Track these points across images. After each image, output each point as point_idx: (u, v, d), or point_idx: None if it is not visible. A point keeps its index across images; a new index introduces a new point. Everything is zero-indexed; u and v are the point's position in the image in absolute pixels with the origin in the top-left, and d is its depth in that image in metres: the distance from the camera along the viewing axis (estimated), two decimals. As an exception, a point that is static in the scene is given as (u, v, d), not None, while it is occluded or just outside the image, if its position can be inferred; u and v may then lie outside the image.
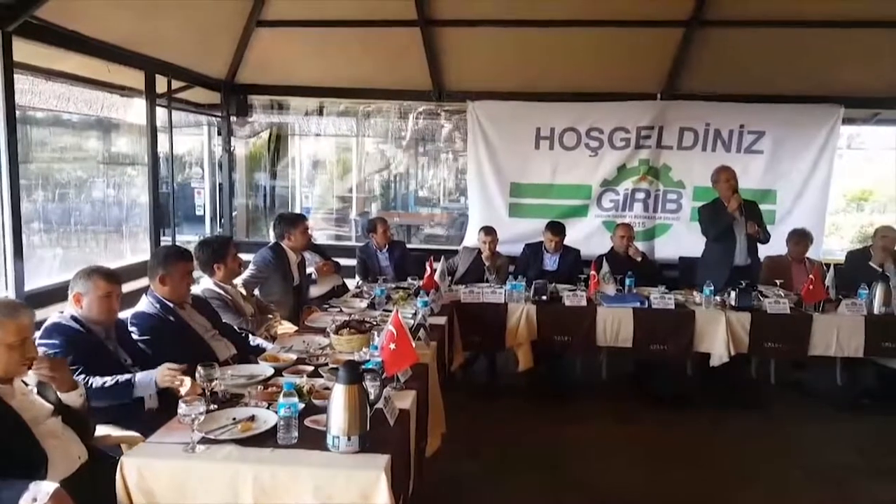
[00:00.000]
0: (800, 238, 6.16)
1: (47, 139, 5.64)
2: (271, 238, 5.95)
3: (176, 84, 6.32)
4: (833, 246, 9.34)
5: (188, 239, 7.18)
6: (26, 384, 2.56)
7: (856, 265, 6.01)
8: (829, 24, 6.30)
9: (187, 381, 2.93)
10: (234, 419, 2.62)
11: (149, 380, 3.04)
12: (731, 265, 5.79)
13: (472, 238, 7.15)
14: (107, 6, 4.86)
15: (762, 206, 6.52)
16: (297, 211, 8.91)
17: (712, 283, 5.38)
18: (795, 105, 7.09)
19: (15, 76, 4.16)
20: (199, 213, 8.83)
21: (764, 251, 6.17)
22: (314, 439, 2.48)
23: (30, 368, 2.49)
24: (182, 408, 2.40)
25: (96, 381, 2.97)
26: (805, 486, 4.17)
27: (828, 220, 7.79)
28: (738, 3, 6.25)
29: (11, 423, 2.36)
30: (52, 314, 3.18)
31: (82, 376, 2.89)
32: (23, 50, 4.21)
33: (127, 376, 3.05)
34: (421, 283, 5.29)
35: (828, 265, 5.82)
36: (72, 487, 2.19)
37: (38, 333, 2.85)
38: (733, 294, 5.27)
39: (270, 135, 8.77)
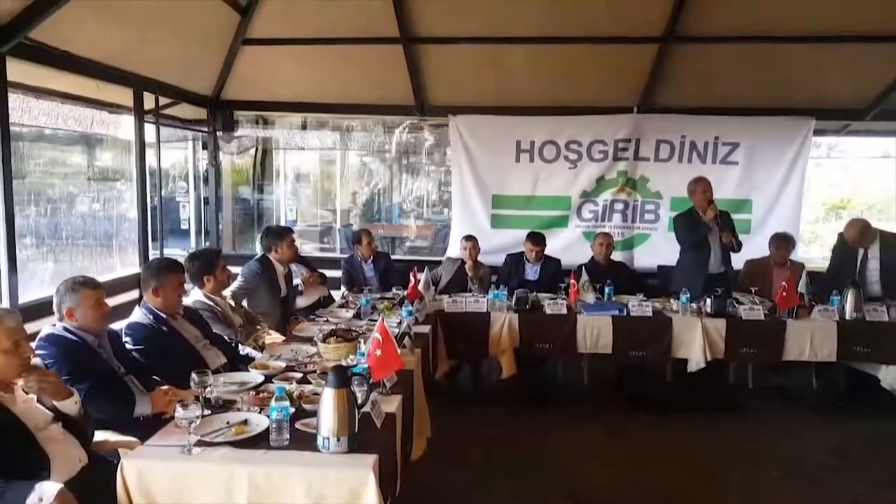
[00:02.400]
0: (780, 241, 6.28)
1: (35, 155, 5.72)
2: (258, 250, 6.05)
3: (163, 101, 6.43)
4: (814, 254, 9.54)
5: (174, 252, 7.26)
6: (27, 392, 2.65)
7: (843, 248, 6.22)
8: (800, 40, 6.49)
9: (179, 395, 3.07)
10: (227, 423, 2.73)
11: (145, 408, 3.17)
12: (706, 273, 5.92)
13: (455, 249, 7.28)
14: (97, 26, 4.96)
15: (738, 216, 6.72)
16: (283, 224, 9.02)
17: (688, 290, 5.52)
18: (768, 117, 7.29)
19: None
20: (183, 226, 8.89)
21: (744, 255, 6.32)
22: (305, 441, 2.59)
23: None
24: (179, 412, 2.51)
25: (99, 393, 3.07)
26: (783, 486, 4.29)
27: (807, 229, 7.97)
28: (711, 20, 6.40)
29: (15, 429, 2.46)
30: (45, 326, 3.26)
31: (82, 385, 2.98)
32: (15, 69, 4.32)
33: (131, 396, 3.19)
34: (405, 293, 5.40)
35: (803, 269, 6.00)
36: (74, 489, 2.28)
37: (32, 344, 2.92)
38: (709, 301, 5.41)
39: (256, 149, 8.87)
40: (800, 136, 7.30)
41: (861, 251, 6.06)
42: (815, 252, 9.76)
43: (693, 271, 5.98)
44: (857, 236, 6.02)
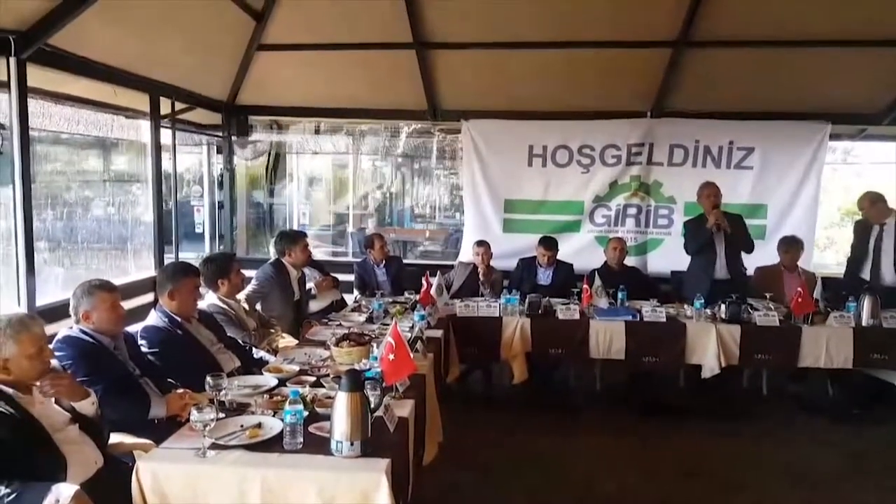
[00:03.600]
0: (788, 246, 6.23)
1: (52, 159, 5.78)
2: (271, 254, 6.08)
3: (179, 106, 6.49)
4: (828, 260, 9.48)
5: (188, 256, 7.29)
6: (43, 395, 2.68)
7: (861, 229, 6.33)
8: (814, 44, 6.44)
9: (195, 398, 3.09)
10: (241, 426, 2.75)
11: (160, 410, 3.19)
12: (712, 279, 5.93)
13: (467, 253, 7.29)
14: (114, 33, 5.01)
15: (752, 221, 6.74)
16: (296, 228, 9.06)
17: (693, 296, 5.52)
18: (783, 122, 7.24)
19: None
20: (198, 230, 8.92)
21: (755, 262, 6.32)
22: (318, 444, 2.61)
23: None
24: (194, 415, 2.53)
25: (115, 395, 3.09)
26: (794, 494, 4.26)
27: (822, 235, 7.92)
28: (725, 24, 6.37)
29: (33, 430, 2.50)
30: (63, 328, 3.30)
31: (98, 387, 3.00)
32: (35, 75, 4.37)
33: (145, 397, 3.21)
34: (418, 297, 5.41)
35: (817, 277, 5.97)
36: (90, 491, 2.32)
37: (49, 346, 2.96)
38: (723, 307, 5.38)
39: (269, 154, 8.91)
40: (815, 141, 7.24)
41: (876, 229, 6.09)
42: (829, 258, 9.69)
43: (698, 277, 6.01)
44: (867, 204, 6.16)
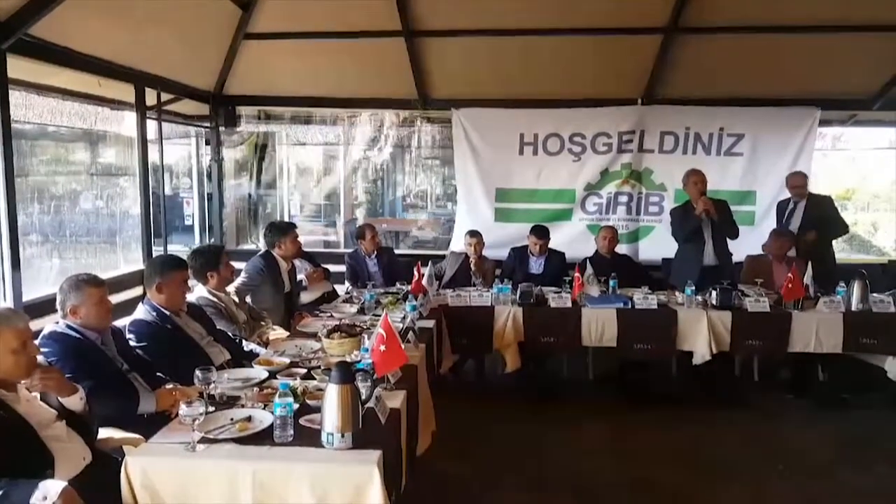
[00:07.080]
0: (779, 236, 6.26)
1: (38, 153, 5.72)
2: (261, 246, 6.03)
3: (165, 96, 6.42)
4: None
5: (178, 248, 7.25)
6: (30, 390, 2.65)
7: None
8: (805, 30, 6.45)
9: (186, 393, 3.06)
10: (231, 419, 2.73)
11: (150, 406, 3.17)
12: (701, 266, 5.94)
13: (458, 243, 7.26)
14: (98, 22, 4.96)
15: (742, 207, 6.76)
16: (286, 219, 9.00)
17: (682, 283, 5.52)
18: (773, 108, 7.26)
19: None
20: (187, 222, 8.87)
21: (745, 250, 6.33)
22: (309, 437, 2.59)
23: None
24: (183, 409, 2.51)
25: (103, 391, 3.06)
26: (787, 479, 4.27)
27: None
28: (715, 10, 6.38)
29: (19, 427, 2.45)
30: (49, 324, 3.26)
31: (86, 383, 2.96)
32: (16, 66, 4.31)
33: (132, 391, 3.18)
34: (409, 287, 5.39)
35: (807, 262, 5.97)
36: (78, 487, 2.26)
37: (35, 342, 2.92)
38: (714, 293, 5.39)
39: (257, 144, 8.84)
40: (805, 127, 7.26)
41: (792, 204, 6.51)
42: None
43: (687, 264, 6.02)
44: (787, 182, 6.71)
